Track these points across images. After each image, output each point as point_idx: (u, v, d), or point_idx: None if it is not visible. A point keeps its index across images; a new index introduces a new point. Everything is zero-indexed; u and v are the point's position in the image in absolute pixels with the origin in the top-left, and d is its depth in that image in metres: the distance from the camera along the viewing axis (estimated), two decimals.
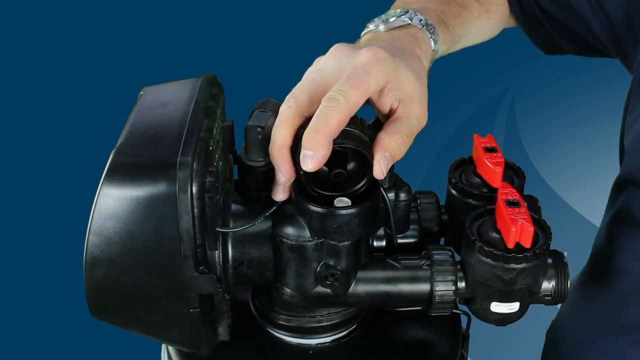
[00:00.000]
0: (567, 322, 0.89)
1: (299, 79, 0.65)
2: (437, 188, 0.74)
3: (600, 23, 0.84)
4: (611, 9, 0.82)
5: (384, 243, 0.68)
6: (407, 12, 0.74)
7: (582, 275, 0.88)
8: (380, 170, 0.60)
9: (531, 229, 0.60)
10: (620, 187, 0.83)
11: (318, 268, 0.62)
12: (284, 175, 0.61)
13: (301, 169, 0.58)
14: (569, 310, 0.89)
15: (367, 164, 0.61)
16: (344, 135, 0.59)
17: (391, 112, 0.64)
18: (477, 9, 0.86)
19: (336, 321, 0.69)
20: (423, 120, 0.65)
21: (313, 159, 0.57)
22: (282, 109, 0.61)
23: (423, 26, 0.74)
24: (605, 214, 0.87)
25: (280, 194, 0.62)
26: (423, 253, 0.66)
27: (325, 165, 0.60)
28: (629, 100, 0.84)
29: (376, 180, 0.64)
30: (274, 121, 0.63)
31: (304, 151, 0.57)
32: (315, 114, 0.58)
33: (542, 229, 0.64)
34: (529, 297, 0.65)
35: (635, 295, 0.78)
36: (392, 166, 0.67)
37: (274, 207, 0.62)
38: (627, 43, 0.83)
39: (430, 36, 0.74)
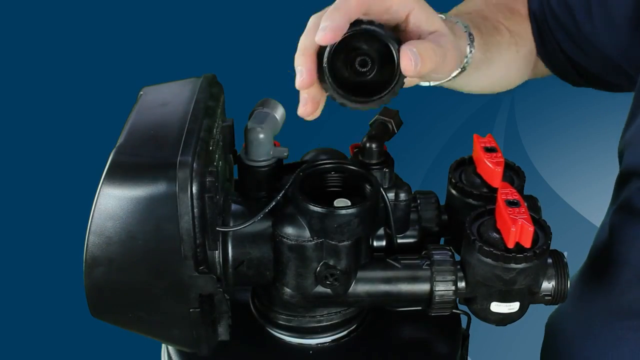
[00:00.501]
0: (565, 314, 0.90)
1: None
2: (437, 188, 0.74)
3: (613, 44, 0.85)
4: (619, 14, 0.83)
5: (384, 243, 0.68)
6: (440, 13, 0.74)
7: (582, 268, 0.88)
8: (408, 61, 0.57)
9: (531, 229, 0.60)
10: (622, 181, 0.84)
11: (318, 268, 0.62)
12: (303, 74, 0.59)
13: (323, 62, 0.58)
14: (567, 301, 0.89)
15: (393, 61, 0.58)
16: (366, 23, 0.58)
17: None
18: (507, 38, 0.86)
19: (336, 321, 0.69)
20: (452, 58, 0.63)
21: (325, 29, 0.57)
22: (311, 20, 0.60)
23: (457, 22, 0.74)
24: (607, 210, 0.88)
25: (303, 106, 0.60)
26: (423, 253, 0.66)
27: (349, 69, 0.59)
28: (632, 105, 0.85)
29: (377, 180, 0.64)
30: (274, 121, 0.64)
31: (320, 25, 0.57)
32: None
33: (542, 229, 0.64)
34: (529, 297, 0.65)
35: (634, 282, 0.78)
36: (392, 166, 0.67)
37: (273, 203, 0.62)
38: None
39: (464, 30, 0.74)
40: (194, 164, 0.57)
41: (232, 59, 2.02)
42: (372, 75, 0.60)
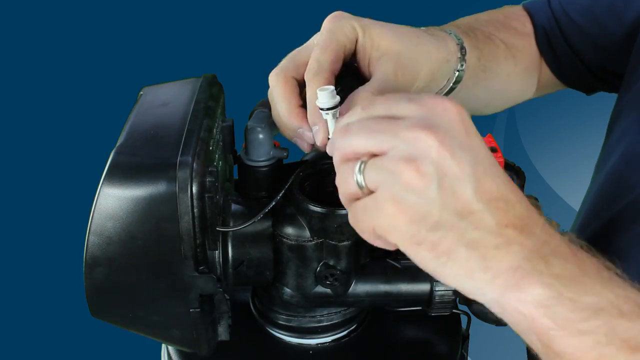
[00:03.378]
0: None
1: None
2: None
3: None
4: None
5: None
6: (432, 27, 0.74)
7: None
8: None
9: None
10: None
11: (318, 268, 0.62)
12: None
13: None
14: None
15: None
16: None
17: (370, 69, 0.65)
18: (503, 49, 0.85)
19: (336, 321, 0.69)
20: (400, 77, 0.63)
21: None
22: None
23: (451, 33, 0.74)
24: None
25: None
26: None
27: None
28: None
29: None
30: (274, 121, 0.64)
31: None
32: (306, 89, 0.60)
33: None
34: None
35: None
36: None
37: (273, 203, 0.62)
38: None
39: (449, 32, 0.73)
40: (194, 164, 0.57)
41: (232, 59, 2.02)
42: None
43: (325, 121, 0.58)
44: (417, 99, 0.50)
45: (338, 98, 0.58)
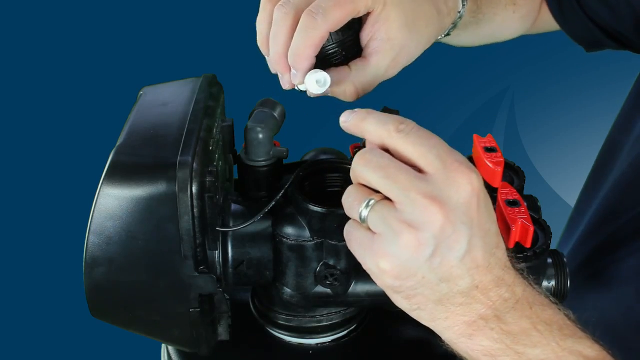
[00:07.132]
0: None
1: None
2: None
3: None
4: None
5: None
6: None
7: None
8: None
9: (531, 228, 0.60)
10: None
11: (318, 268, 0.62)
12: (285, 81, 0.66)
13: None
14: None
15: None
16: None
17: (367, 48, 0.66)
18: None
19: (336, 321, 0.69)
20: (391, 71, 0.66)
21: (297, 76, 0.63)
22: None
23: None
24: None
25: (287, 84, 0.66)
26: None
27: None
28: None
29: None
30: (274, 121, 0.64)
31: (292, 70, 0.63)
32: (296, 32, 0.61)
33: (542, 229, 0.64)
34: None
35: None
36: None
37: (273, 203, 0.62)
38: None
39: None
40: (194, 164, 0.57)
41: (232, 59, 2.02)
42: None
43: (305, 73, 0.63)
44: (445, 158, 0.51)
45: (325, 88, 0.62)
